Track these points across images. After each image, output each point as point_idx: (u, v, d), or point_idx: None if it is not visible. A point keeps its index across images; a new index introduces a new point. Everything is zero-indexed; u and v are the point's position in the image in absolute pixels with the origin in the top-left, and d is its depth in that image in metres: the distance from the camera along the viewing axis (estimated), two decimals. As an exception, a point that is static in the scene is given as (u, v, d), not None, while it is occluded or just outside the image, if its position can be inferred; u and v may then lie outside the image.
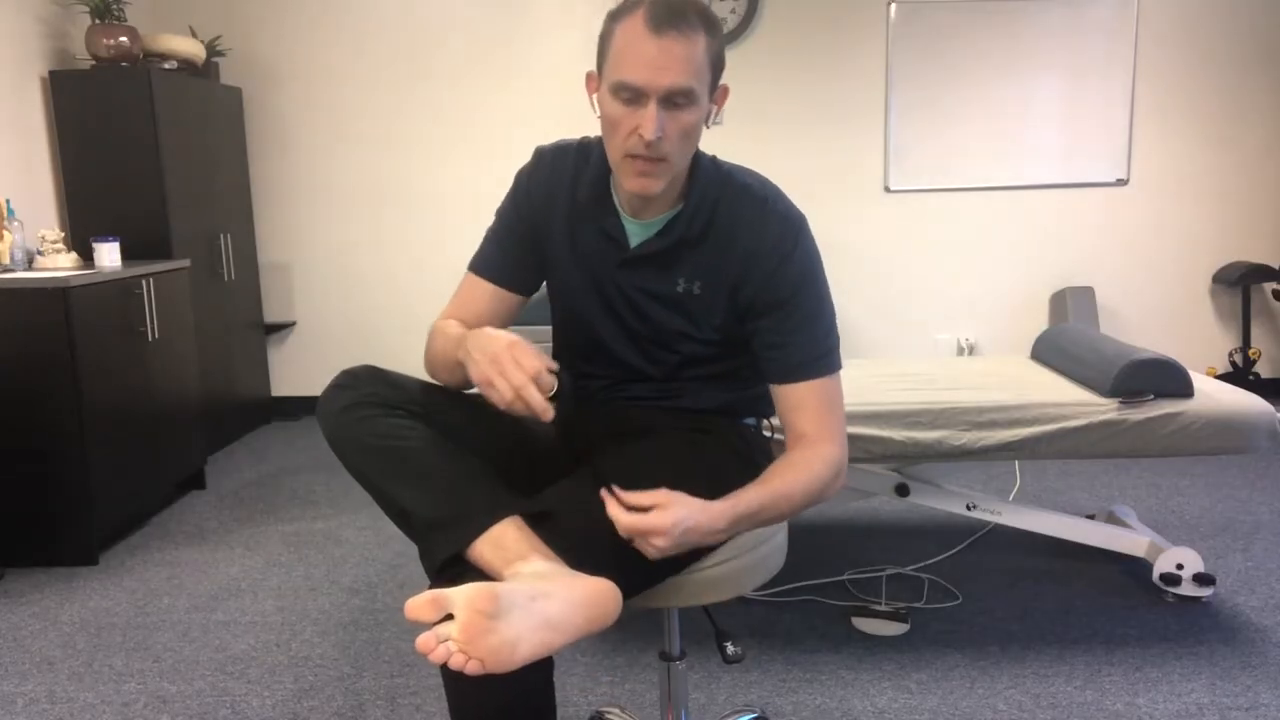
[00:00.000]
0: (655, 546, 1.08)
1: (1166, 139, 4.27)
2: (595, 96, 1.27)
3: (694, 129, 1.22)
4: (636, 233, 1.33)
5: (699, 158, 1.31)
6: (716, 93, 1.26)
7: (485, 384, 1.12)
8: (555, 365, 1.14)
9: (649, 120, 1.17)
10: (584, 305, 1.39)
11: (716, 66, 1.23)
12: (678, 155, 1.22)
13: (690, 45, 1.16)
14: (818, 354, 1.29)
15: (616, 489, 1.10)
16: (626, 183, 1.24)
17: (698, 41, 1.17)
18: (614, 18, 1.21)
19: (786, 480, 1.22)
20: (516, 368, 1.10)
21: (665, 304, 1.34)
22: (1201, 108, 4.25)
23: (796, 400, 1.28)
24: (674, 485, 1.20)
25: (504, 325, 1.36)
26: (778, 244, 1.28)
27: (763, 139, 4.30)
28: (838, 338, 1.32)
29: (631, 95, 1.18)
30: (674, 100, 1.18)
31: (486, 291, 1.39)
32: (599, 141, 1.34)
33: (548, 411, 1.10)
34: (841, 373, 1.33)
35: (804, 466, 1.24)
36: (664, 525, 1.06)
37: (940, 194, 4.33)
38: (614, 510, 1.08)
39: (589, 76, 1.29)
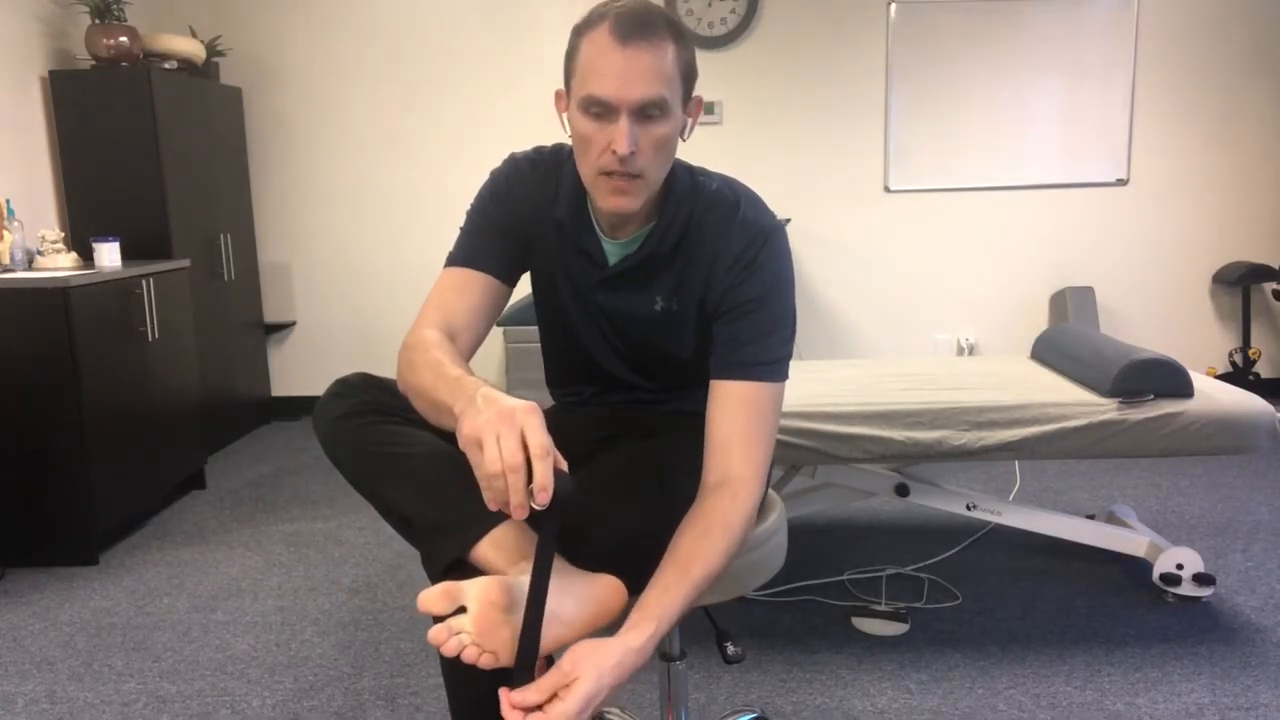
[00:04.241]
0: None
1: (1166, 139, 4.27)
2: (565, 115, 1.22)
3: (668, 141, 1.17)
4: (614, 252, 1.30)
5: (675, 170, 1.27)
6: (690, 104, 1.21)
7: (472, 442, 0.92)
8: (562, 464, 0.94)
9: (621, 135, 1.12)
10: (571, 322, 1.37)
11: (688, 76, 1.19)
12: (653, 170, 1.18)
13: (659, 54, 1.12)
14: (764, 360, 1.22)
15: (513, 694, 0.95)
16: (602, 201, 1.20)
17: (666, 50, 1.13)
18: (579, 31, 1.17)
19: (707, 559, 1.08)
20: (516, 440, 0.91)
21: (645, 325, 1.32)
22: (1201, 108, 4.25)
23: (727, 400, 1.21)
24: (671, 486, 1.20)
25: (491, 320, 1.32)
26: (742, 254, 1.24)
27: (763, 139, 4.30)
28: (790, 352, 1.26)
29: (602, 110, 1.14)
30: (646, 112, 1.13)
31: (475, 282, 1.29)
32: (571, 153, 1.30)
33: (523, 509, 0.90)
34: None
35: (722, 530, 1.11)
36: (569, 714, 0.93)
37: (940, 194, 4.33)
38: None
39: (557, 95, 1.24)
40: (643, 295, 1.30)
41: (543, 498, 0.89)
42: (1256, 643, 2.18)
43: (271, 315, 4.52)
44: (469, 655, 0.95)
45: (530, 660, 0.96)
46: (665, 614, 1.03)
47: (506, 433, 0.91)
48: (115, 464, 2.95)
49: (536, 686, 0.95)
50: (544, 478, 0.90)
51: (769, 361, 1.23)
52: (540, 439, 0.91)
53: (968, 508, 2.50)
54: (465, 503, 1.10)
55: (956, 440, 2.25)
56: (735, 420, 1.20)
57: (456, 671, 1.17)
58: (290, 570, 2.77)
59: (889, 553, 2.76)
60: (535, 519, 0.94)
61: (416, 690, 2.08)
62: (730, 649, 1.44)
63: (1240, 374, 4.32)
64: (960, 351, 4.43)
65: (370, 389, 1.24)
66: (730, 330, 1.24)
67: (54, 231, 3.10)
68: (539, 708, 0.95)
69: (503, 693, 0.96)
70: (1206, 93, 4.24)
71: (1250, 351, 4.31)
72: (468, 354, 1.26)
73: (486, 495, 0.92)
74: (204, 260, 3.86)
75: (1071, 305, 4.23)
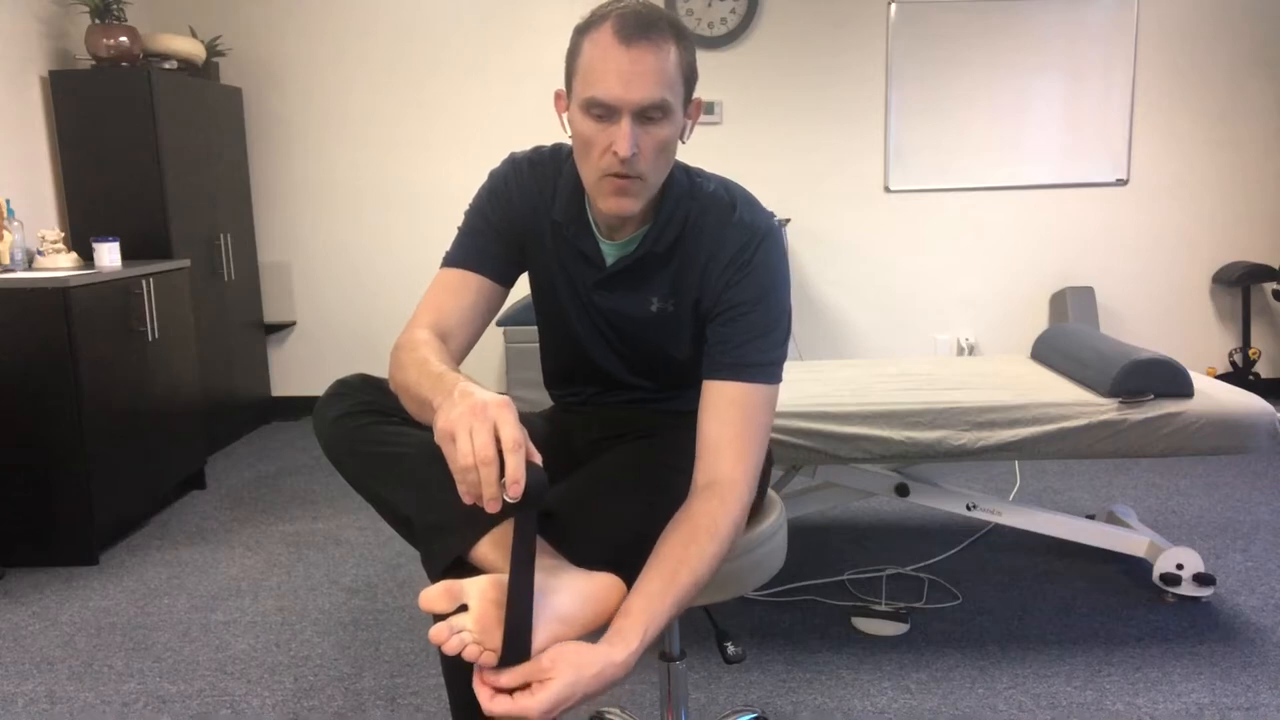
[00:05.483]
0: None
1: (1166, 139, 4.27)
2: (565, 115, 1.22)
3: (669, 144, 1.17)
4: (611, 252, 1.30)
5: (672, 171, 1.26)
6: (690, 106, 1.21)
7: (445, 436, 0.93)
8: (536, 457, 0.94)
9: (623, 137, 1.12)
10: (569, 322, 1.37)
11: (689, 79, 1.18)
12: (654, 172, 1.18)
13: (662, 56, 1.12)
14: (757, 361, 1.22)
15: (486, 673, 0.95)
16: (602, 203, 1.20)
17: (669, 52, 1.13)
18: (581, 31, 1.16)
19: (694, 566, 1.07)
20: (489, 434, 0.91)
21: (642, 325, 1.32)
22: (1201, 108, 4.25)
23: (720, 401, 1.20)
24: (670, 485, 1.20)
25: (485, 321, 1.32)
26: (737, 255, 1.24)
27: (763, 139, 4.30)
28: (785, 355, 1.26)
29: (604, 112, 1.13)
30: (648, 115, 1.13)
31: (470, 283, 1.29)
32: (570, 153, 1.30)
33: (495, 502, 0.91)
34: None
35: (709, 535, 1.10)
36: (533, 709, 0.93)
37: (940, 194, 4.33)
38: (483, 698, 0.95)
39: (557, 95, 1.24)
40: (639, 296, 1.31)
41: (514, 490, 0.90)
42: (1256, 643, 2.18)
43: (271, 315, 4.52)
44: (470, 654, 0.95)
45: (516, 657, 0.96)
46: (651, 625, 1.03)
47: (479, 427, 0.91)
48: (115, 464, 2.95)
49: (511, 671, 0.96)
50: (515, 471, 0.90)
51: (763, 363, 1.22)
52: (512, 432, 0.91)
53: (968, 508, 2.50)
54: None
55: (956, 440, 2.25)
56: (727, 421, 1.19)
57: (457, 670, 1.17)
58: (290, 570, 2.77)
59: (889, 553, 2.76)
60: (511, 513, 0.94)
61: (416, 690, 2.08)
62: (730, 649, 1.44)
63: (1240, 374, 4.32)
64: (960, 351, 4.43)
65: (369, 389, 1.24)
66: (724, 331, 1.24)
67: (54, 231, 3.10)
68: (510, 694, 0.95)
69: (476, 670, 0.96)
70: (1206, 93, 4.24)
71: (1250, 351, 4.31)
72: (460, 355, 1.26)
73: (461, 489, 0.93)
74: (204, 260, 3.86)
75: (1071, 305, 4.23)
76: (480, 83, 4.31)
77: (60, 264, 3.07)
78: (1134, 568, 2.60)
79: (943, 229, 4.36)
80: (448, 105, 4.33)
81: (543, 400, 1.57)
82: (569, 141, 1.28)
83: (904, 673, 2.10)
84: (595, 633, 1.04)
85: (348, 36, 4.29)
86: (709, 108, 4.27)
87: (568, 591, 1.03)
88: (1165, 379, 2.27)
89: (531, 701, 0.94)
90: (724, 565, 1.14)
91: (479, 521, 1.08)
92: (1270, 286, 4.36)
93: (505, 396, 0.95)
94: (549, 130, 4.21)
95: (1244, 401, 2.25)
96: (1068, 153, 4.26)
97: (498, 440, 0.91)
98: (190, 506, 3.37)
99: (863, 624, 2.31)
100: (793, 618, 2.37)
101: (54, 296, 2.73)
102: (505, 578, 0.99)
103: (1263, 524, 2.91)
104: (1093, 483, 3.36)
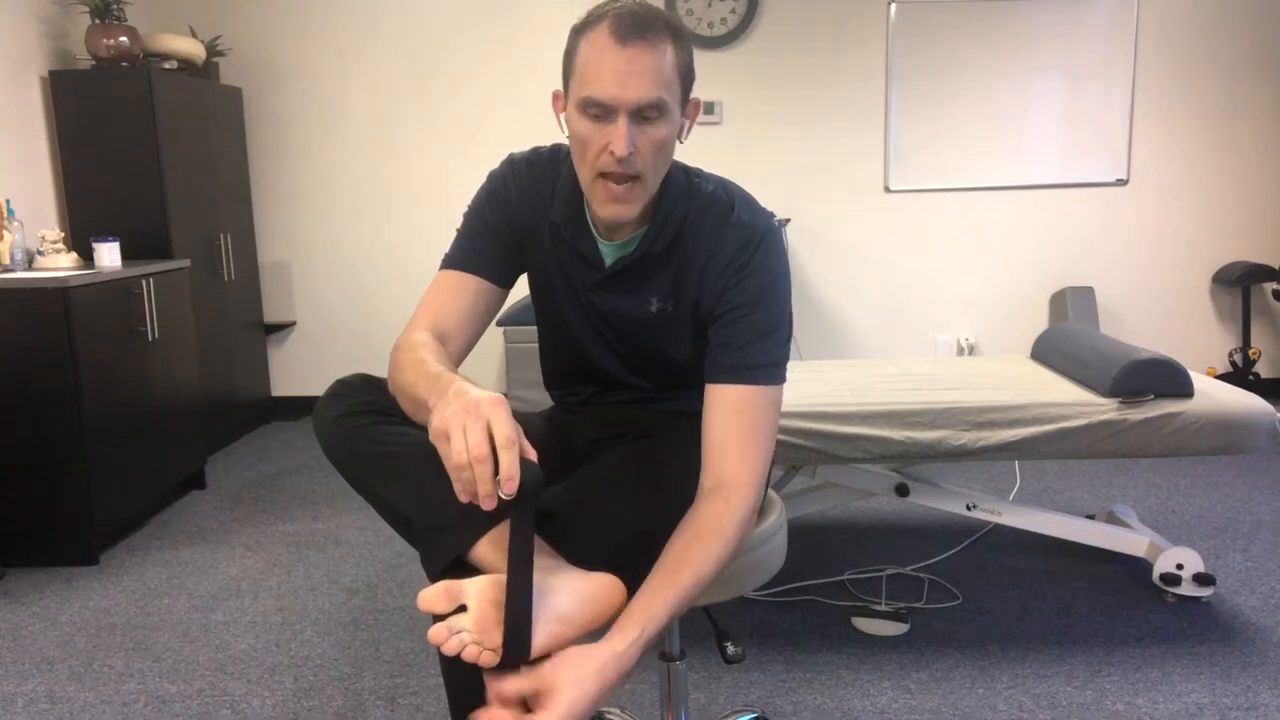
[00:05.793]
0: None
1: (1166, 139, 4.27)
2: (562, 116, 1.22)
3: (666, 144, 1.17)
4: (610, 253, 1.30)
5: (671, 171, 1.26)
6: (688, 106, 1.21)
7: (440, 435, 0.94)
8: (531, 453, 0.95)
9: (620, 136, 1.12)
10: (568, 323, 1.37)
11: (686, 78, 1.18)
12: (651, 172, 1.18)
13: (658, 55, 1.12)
14: (759, 363, 1.21)
15: (489, 680, 0.96)
16: (599, 209, 1.19)
17: (665, 51, 1.13)
18: (578, 31, 1.16)
19: (697, 565, 1.08)
20: (482, 431, 0.92)
21: (641, 326, 1.32)
22: (1201, 108, 4.25)
23: (722, 404, 1.20)
24: (669, 485, 1.20)
25: (484, 323, 1.32)
26: (736, 256, 1.23)
27: (763, 139, 4.30)
28: (787, 355, 1.25)
29: (600, 111, 1.13)
30: (644, 114, 1.13)
31: (469, 285, 1.29)
32: (569, 153, 1.30)
33: (491, 499, 0.91)
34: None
35: (714, 535, 1.10)
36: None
37: (940, 194, 4.33)
38: None
39: (555, 96, 1.24)
40: (638, 297, 1.31)
41: (509, 487, 0.90)
42: (1256, 643, 2.18)
43: (271, 315, 4.52)
44: (469, 654, 0.95)
45: (517, 657, 0.96)
46: (651, 619, 1.03)
47: (472, 424, 0.92)
48: (115, 464, 2.95)
49: (514, 680, 0.96)
50: (509, 468, 0.91)
51: (765, 365, 1.22)
52: (505, 429, 0.92)
53: (968, 508, 2.50)
54: (464, 502, 1.11)
55: (956, 440, 2.25)
56: (730, 424, 1.19)
57: (456, 670, 1.17)
58: (290, 570, 2.77)
59: (889, 553, 2.76)
60: (507, 510, 0.95)
61: (416, 690, 2.08)
62: (730, 649, 1.44)
63: (1240, 374, 4.32)
64: (960, 351, 4.43)
65: (370, 389, 1.24)
66: (725, 333, 1.24)
67: (54, 231, 3.10)
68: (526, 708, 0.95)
69: (488, 678, 0.96)
70: (1206, 93, 4.24)
71: (1250, 351, 4.31)
72: (459, 356, 1.27)
73: (456, 487, 0.93)
74: (204, 260, 3.86)
75: (1071, 305, 4.23)
76: (480, 83, 4.31)
77: (60, 264, 3.07)
78: (1134, 568, 2.60)
79: (943, 229, 4.36)
80: (448, 105, 4.33)
81: (543, 400, 1.57)
82: (568, 142, 1.29)
83: (904, 673, 2.10)
84: (595, 634, 1.04)
85: (348, 36, 4.29)
86: (709, 108, 4.27)
87: (567, 591, 1.03)
88: (1165, 379, 2.27)
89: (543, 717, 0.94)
90: (732, 563, 1.14)
91: (478, 521, 1.08)
92: (1270, 286, 4.36)
93: (499, 394, 0.96)
94: (549, 130, 4.21)
95: (1244, 401, 2.25)
96: (1068, 153, 4.26)
97: (492, 438, 0.92)
98: (190, 506, 3.37)
99: (863, 624, 2.31)
100: (793, 618, 2.37)
101: (54, 296, 2.73)
102: (504, 578, 0.99)
103: (1263, 524, 2.91)
104: (1093, 483, 3.36)
